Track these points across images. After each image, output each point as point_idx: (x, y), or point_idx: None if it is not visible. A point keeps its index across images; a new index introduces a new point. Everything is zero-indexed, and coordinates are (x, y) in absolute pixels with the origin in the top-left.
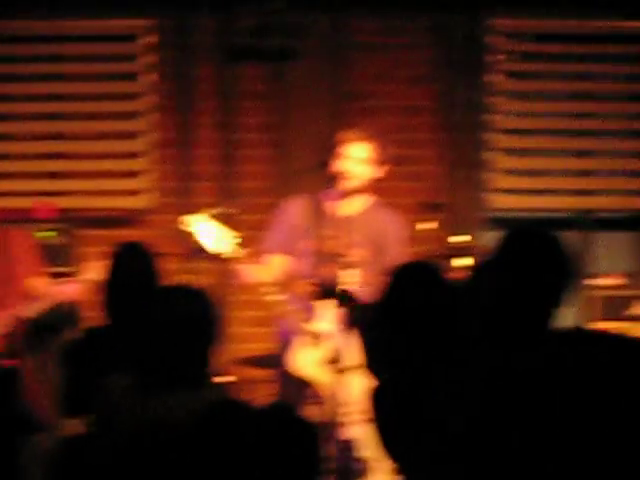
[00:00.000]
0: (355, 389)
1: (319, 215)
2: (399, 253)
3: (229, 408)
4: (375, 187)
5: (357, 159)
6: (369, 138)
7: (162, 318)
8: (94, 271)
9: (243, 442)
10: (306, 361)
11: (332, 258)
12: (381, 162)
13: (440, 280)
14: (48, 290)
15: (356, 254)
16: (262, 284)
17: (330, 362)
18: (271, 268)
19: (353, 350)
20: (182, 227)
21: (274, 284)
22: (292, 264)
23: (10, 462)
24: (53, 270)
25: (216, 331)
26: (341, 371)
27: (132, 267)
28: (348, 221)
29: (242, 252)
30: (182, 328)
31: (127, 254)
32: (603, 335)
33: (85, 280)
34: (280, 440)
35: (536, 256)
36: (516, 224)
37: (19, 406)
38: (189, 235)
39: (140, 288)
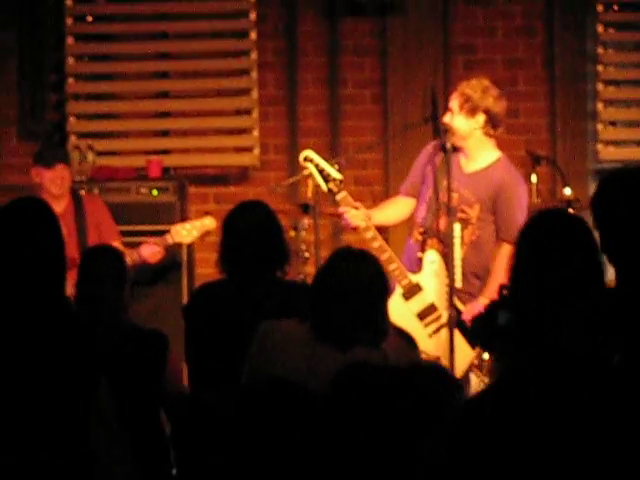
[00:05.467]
0: (448, 346)
1: (445, 165)
2: (513, 216)
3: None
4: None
5: (452, 110)
6: (464, 88)
7: (344, 278)
8: (180, 234)
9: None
10: (403, 311)
11: (447, 211)
12: (472, 111)
13: None
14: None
15: (469, 211)
16: (358, 229)
17: (426, 315)
18: (367, 213)
19: (450, 306)
20: (302, 162)
21: (367, 230)
22: (415, 209)
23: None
24: (161, 228)
25: (387, 296)
26: (437, 327)
27: (257, 223)
28: (468, 176)
29: (341, 196)
30: (365, 289)
31: (251, 211)
32: None
33: (168, 243)
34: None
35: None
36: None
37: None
38: (307, 173)
39: (262, 244)
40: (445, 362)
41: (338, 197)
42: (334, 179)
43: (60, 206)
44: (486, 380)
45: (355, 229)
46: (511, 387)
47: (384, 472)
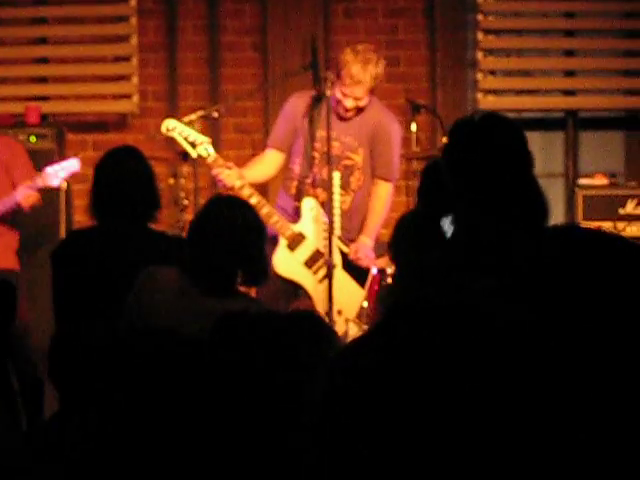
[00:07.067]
0: (338, 289)
1: (318, 114)
2: (390, 154)
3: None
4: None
5: (357, 97)
6: (367, 77)
7: (220, 222)
8: (50, 177)
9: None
10: (290, 262)
11: (329, 160)
12: (374, 88)
13: None
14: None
15: (354, 157)
16: (234, 188)
17: (314, 262)
18: (240, 171)
19: (335, 250)
20: (165, 132)
21: (243, 187)
22: (288, 162)
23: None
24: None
25: (264, 238)
26: (326, 271)
27: (126, 170)
28: (346, 123)
29: (214, 156)
30: (240, 235)
31: (121, 157)
32: (600, 232)
33: (39, 185)
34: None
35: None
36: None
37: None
38: (172, 140)
39: (134, 191)
40: (339, 303)
41: (209, 160)
42: (201, 142)
43: None
44: (366, 328)
45: (231, 189)
46: (392, 334)
47: (261, 423)
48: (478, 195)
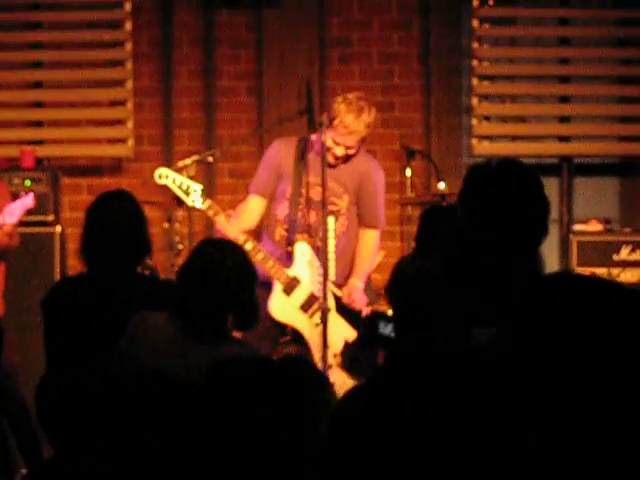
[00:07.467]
0: (333, 333)
1: (303, 160)
2: (376, 202)
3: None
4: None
5: (349, 146)
6: (360, 128)
7: (209, 266)
8: (8, 214)
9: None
10: (286, 307)
11: (314, 206)
12: (371, 126)
13: None
14: None
15: (339, 202)
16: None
17: (309, 306)
18: (232, 222)
19: (329, 294)
20: (158, 180)
21: (238, 237)
22: (271, 207)
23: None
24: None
25: (254, 281)
26: (320, 315)
27: (116, 214)
28: (330, 169)
29: (207, 204)
30: (231, 278)
31: (112, 202)
32: (594, 279)
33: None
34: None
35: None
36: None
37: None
38: (166, 188)
39: (124, 235)
40: (335, 346)
41: (204, 206)
42: (195, 190)
43: None
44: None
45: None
46: (382, 388)
47: (252, 467)
48: (494, 239)
